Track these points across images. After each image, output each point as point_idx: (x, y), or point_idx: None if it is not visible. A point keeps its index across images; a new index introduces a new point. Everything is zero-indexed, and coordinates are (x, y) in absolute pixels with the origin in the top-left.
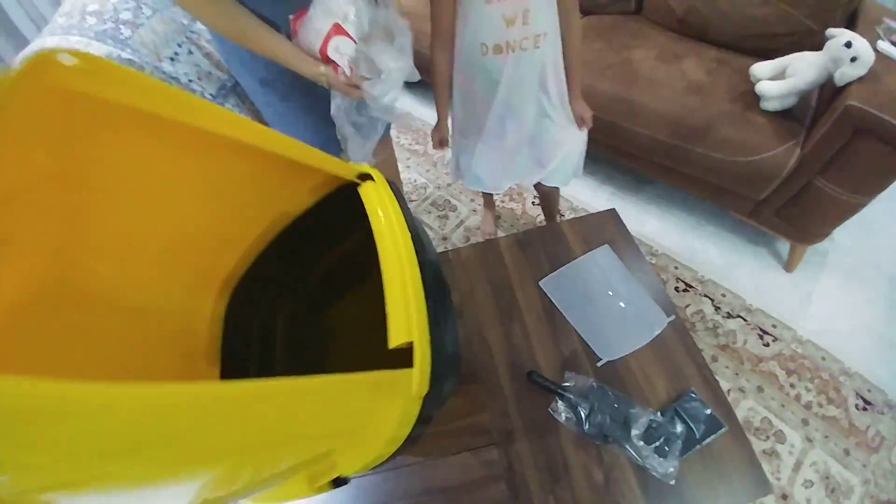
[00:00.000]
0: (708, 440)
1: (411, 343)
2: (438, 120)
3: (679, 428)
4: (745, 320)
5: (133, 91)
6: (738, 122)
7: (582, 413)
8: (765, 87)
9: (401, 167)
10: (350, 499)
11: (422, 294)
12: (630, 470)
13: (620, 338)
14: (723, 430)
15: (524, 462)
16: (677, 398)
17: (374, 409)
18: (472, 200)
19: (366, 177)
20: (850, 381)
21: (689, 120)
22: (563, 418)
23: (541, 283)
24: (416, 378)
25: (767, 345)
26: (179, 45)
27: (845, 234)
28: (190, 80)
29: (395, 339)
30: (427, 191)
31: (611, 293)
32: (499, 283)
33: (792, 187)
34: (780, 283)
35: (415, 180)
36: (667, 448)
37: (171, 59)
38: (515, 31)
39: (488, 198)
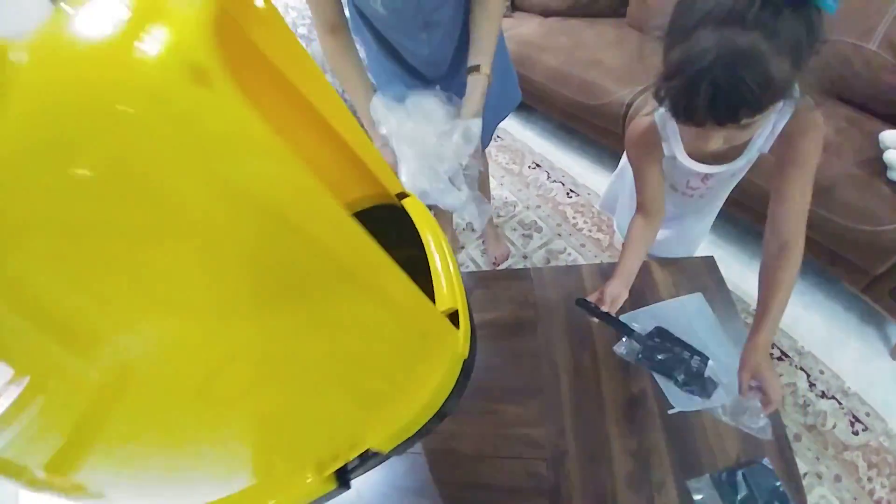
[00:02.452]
0: None
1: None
2: (613, 278)
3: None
4: (839, 403)
5: (279, 41)
6: (862, 188)
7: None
8: (893, 157)
9: (494, 184)
10: (388, 476)
11: (461, 281)
12: None
13: None
14: None
15: (572, 485)
16: (746, 464)
17: (415, 364)
18: (558, 225)
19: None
20: None
21: (819, 177)
22: (624, 350)
23: (621, 318)
24: (461, 338)
25: (857, 433)
26: None
27: None
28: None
29: (440, 304)
30: (516, 209)
31: (695, 343)
32: (577, 309)
33: None
34: (882, 369)
35: (505, 198)
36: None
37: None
38: (695, 203)
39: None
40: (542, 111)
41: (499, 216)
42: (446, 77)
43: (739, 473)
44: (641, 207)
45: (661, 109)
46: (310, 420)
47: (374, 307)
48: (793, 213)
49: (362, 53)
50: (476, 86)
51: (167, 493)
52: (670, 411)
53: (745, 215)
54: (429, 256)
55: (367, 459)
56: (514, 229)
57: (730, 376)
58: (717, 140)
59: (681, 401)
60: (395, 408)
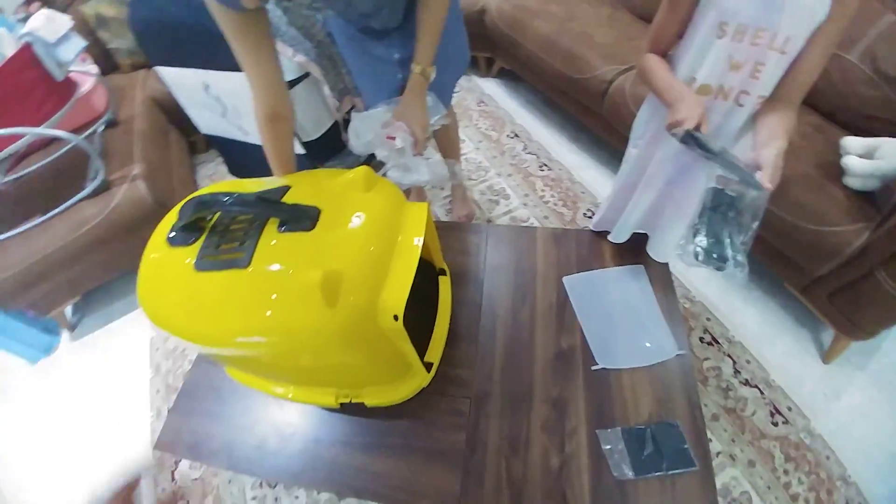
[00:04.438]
0: (674, 472)
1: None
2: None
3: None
4: (761, 392)
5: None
6: (815, 189)
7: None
8: (850, 163)
9: (470, 147)
10: (338, 420)
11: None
12: (586, 467)
13: (622, 351)
14: (692, 468)
15: (490, 425)
16: (657, 424)
17: (400, 377)
18: (525, 195)
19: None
20: (845, 489)
21: None
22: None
23: (564, 279)
24: (429, 378)
25: (776, 424)
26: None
27: (894, 347)
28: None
29: (428, 357)
30: (487, 174)
31: (629, 310)
32: (524, 267)
33: (851, 272)
34: (811, 371)
35: (479, 162)
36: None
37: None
38: (737, 78)
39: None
40: (528, 82)
41: (470, 179)
42: (399, 27)
43: (648, 430)
44: (651, 48)
45: None
46: (349, 380)
47: (396, 355)
48: (800, 73)
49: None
50: (413, 82)
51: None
52: (594, 367)
53: None
54: (436, 327)
55: (357, 405)
56: (483, 193)
57: (655, 344)
58: None
59: (605, 358)
60: (382, 391)
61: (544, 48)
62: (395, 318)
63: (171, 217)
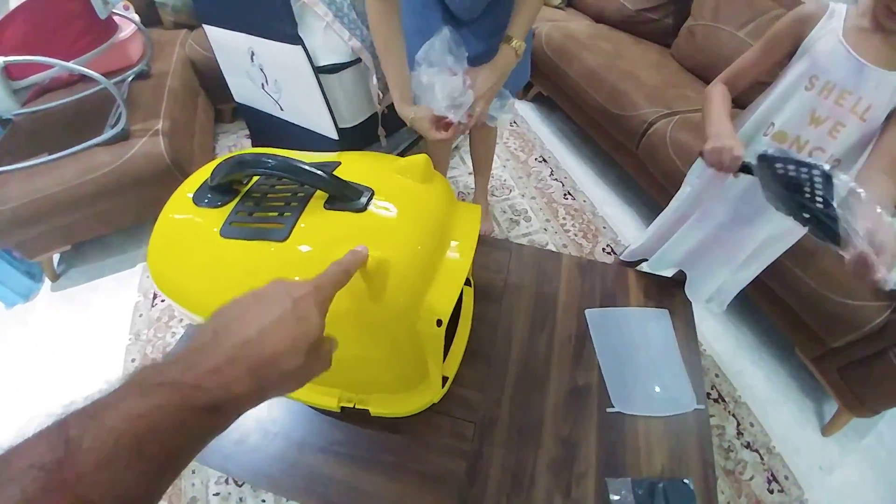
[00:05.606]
0: None
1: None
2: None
3: None
4: (761, 458)
5: None
6: (843, 261)
7: None
8: None
9: (496, 164)
10: (329, 426)
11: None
12: None
13: (640, 396)
14: None
15: (494, 455)
16: (669, 479)
17: (413, 388)
18: (546, 220)
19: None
20: None
21: (804, 241)
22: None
23: (586, 312)
24: (441, 393)
25: (772, 492)
26: None
27: (891, 427)
28: None
29: (444, 370)
30: (511, 193)
31: (650, 354)
32: (546, 292)
33: (866, 348)
34: (810, 441)
35: (505, 180)
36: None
37: None
38: (815, 133)
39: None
40: (564, 111)
41: (493, 195)
42: (472, 22)
43: (660, 485)
44: (727, 80)
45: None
46: (358, 383)
47: (416, 362)
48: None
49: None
50: (503, 55)
51: None
52: (609, 410)
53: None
54: (456, 339)
55: (360, 411)
56: (504, 212)
57: (673, 394)
58: None
59: (621, 401)
60: (390, 400)
61: (589, 80)
62: (439, 323)
63: (203, 173)
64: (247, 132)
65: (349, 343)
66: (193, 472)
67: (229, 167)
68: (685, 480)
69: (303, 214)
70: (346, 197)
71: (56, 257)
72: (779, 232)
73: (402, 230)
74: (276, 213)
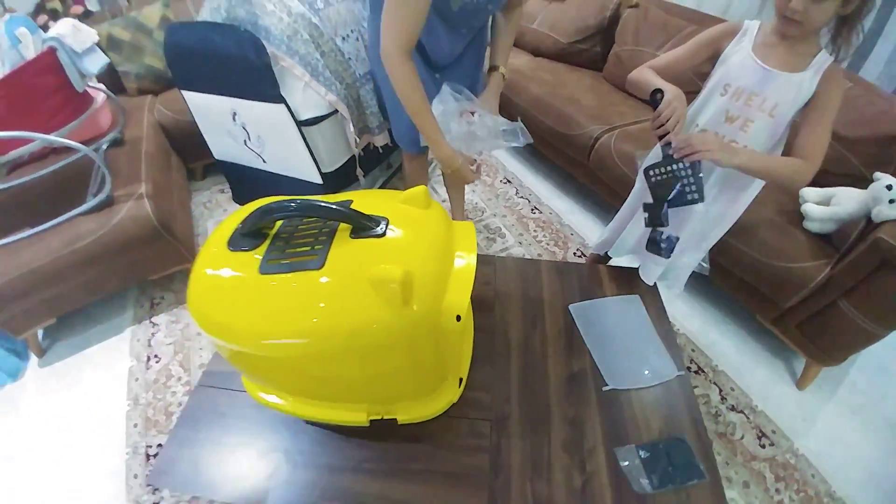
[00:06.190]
0: (687, 484)
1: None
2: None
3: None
4: (747, 417)
5: None
6: (779, 232)
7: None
8: (809, 209)
9: (467, 189)
10: (356, 445)
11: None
12: (608, 484)
13: (629, 373)
14: (704, 480)
15: (512, 447)
16: (668, 440)
17: (431, 392)
18: (520, 234)
19: None
20: None
21: (743, 218)
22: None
23: (570, 307)
24: (458, 393)
25: (763, 446)
26: (352, 31)
27: (861, 373)
28: (349, 58)
29: (459, 372)
30: (483, 214)
31: (630, 335)
32: (532, 296)
33: (817, 303)
34: (788, 397)
35: (476, 203)
36: None
37: (344, 38)
38: (729, 129)
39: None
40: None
41: (468, 217)
42: (448, 67)
43: (661, 445)
44: (656, 69)
45: (747, 22)
46: (385, 392)
47: (437, 363)
48: (809, 141)
49: None
50: (496, 81)
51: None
52: (605, 388)
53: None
54: (464, 343)
55: (389, 421)
56: (480, 231)
57: (656, 366)
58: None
59: (613, 379)
60: (414, 406)
61: (537, 107)
62: (458, 318)
63: (226, 227)
64: (220, 188)
65: (378, 361)
66: None
67: (257, 217)
68: (681, 437)
69: (332, 245)
70: (367, 226)
71: (40, 332)
72: (713, 216)
73: (418, 248)
74: (307, 248)
